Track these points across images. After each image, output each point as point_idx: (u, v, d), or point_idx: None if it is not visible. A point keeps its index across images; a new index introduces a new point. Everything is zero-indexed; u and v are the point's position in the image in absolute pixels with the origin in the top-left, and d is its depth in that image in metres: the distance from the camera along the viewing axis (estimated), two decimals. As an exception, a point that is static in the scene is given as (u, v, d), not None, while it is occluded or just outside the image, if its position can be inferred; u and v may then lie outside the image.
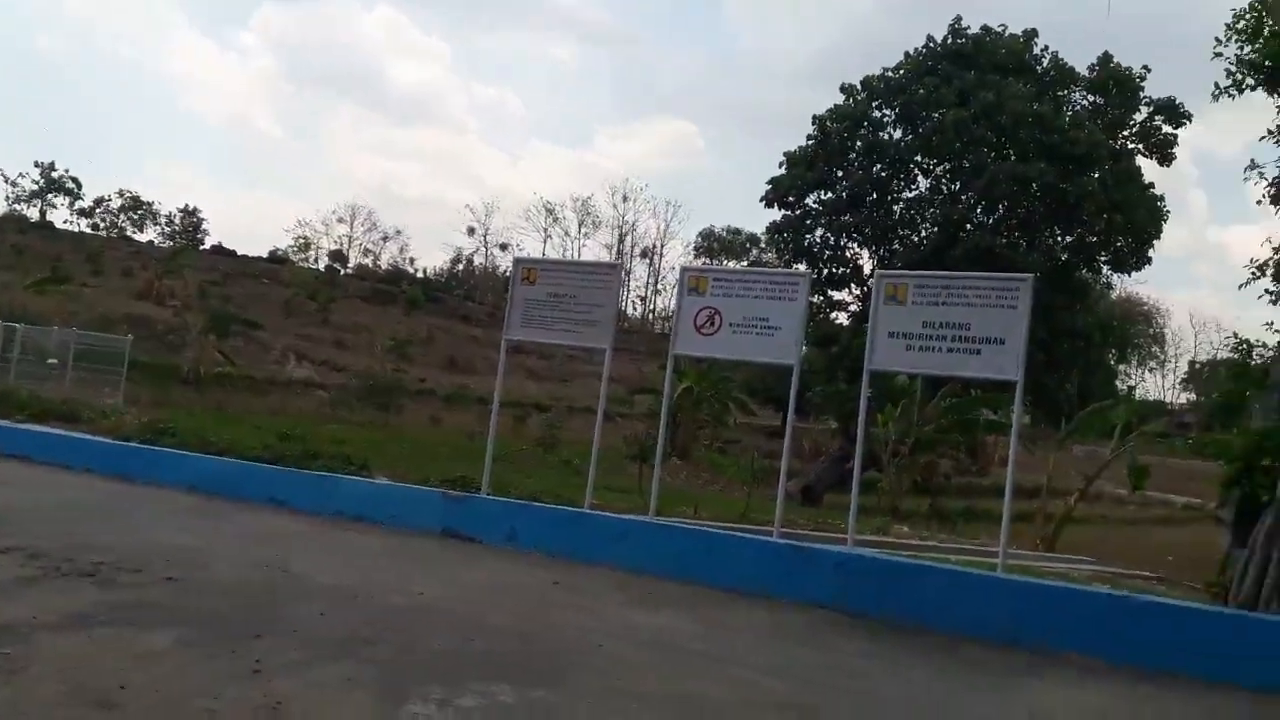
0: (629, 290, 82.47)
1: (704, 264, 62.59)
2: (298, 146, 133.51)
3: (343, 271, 73.48)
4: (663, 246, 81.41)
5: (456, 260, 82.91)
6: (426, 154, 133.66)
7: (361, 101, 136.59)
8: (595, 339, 11.45)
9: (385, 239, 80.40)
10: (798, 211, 36.43)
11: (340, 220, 78.24)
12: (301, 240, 75.45)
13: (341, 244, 78.19)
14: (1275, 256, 10.20)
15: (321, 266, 73.47)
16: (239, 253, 70.53)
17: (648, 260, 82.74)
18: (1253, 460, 9.86)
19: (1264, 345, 11.14)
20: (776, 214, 36.56)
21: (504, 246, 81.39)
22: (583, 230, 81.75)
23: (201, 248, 72.12)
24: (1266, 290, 10.09)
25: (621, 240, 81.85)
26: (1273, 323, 10.68)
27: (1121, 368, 66.36)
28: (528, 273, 11.77)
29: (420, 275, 77.33)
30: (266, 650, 5.90)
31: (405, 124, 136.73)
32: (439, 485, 13.26)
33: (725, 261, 72.54)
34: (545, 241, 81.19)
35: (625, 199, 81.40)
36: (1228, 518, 10.42)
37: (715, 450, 29.67)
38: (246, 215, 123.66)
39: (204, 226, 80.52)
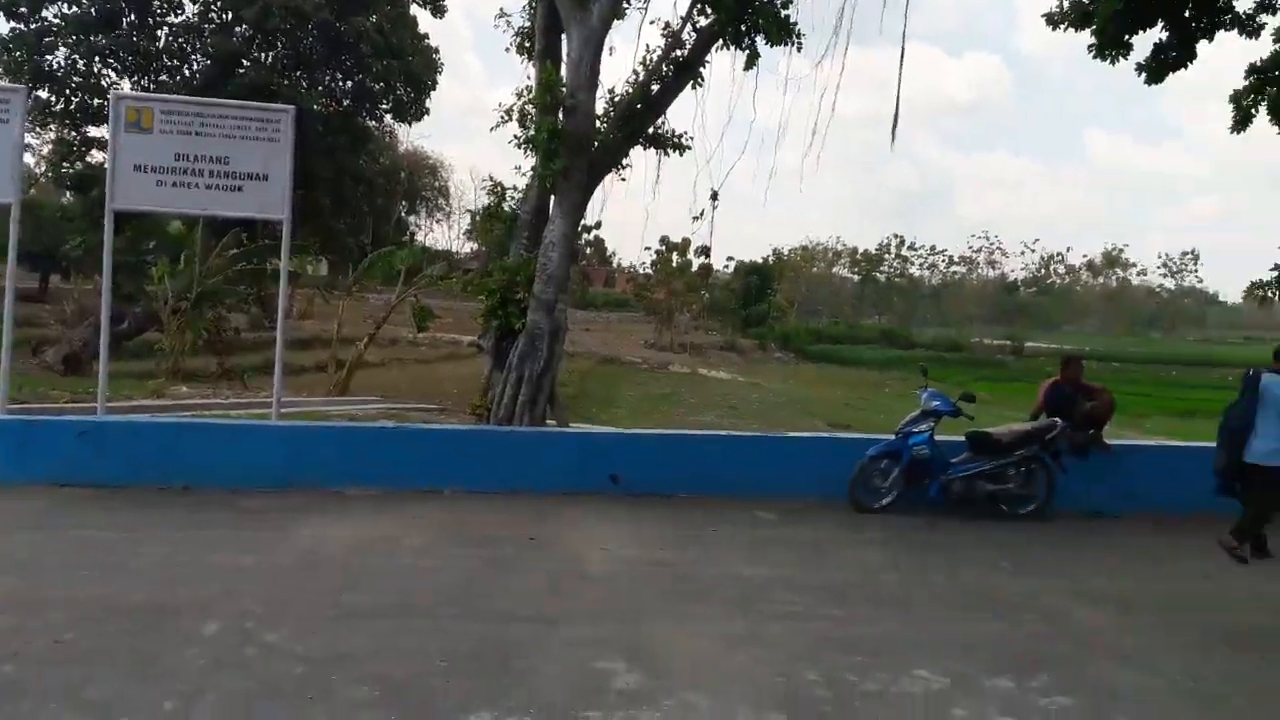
0: None
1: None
2: None
3: None
4: None
5: None
6: None
7: None
8: None
9: None
10: (33, 25, 30.41)
11: None
12: None
13: None
14: (519, 103, 11.31)
15: None
16: None
17: None
18: (507, 293, 11.11)
19: (515, 188, 12.31)
20: (4, 25, 30.08)
21: None
22: None
23: None
24: (514, 135, 11.19)
25: None
26: (520, 166, 11.81)
27: (412, 219, 71.32)
28: None
29: None
30: None
31: None
32: None
33: None
34: None
35: None
36: (488, 346, 11.62)
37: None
38: None
39: None
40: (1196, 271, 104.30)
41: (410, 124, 38.35)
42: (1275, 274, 10.99)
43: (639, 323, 61.10)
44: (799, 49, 11.20)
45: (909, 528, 8.19)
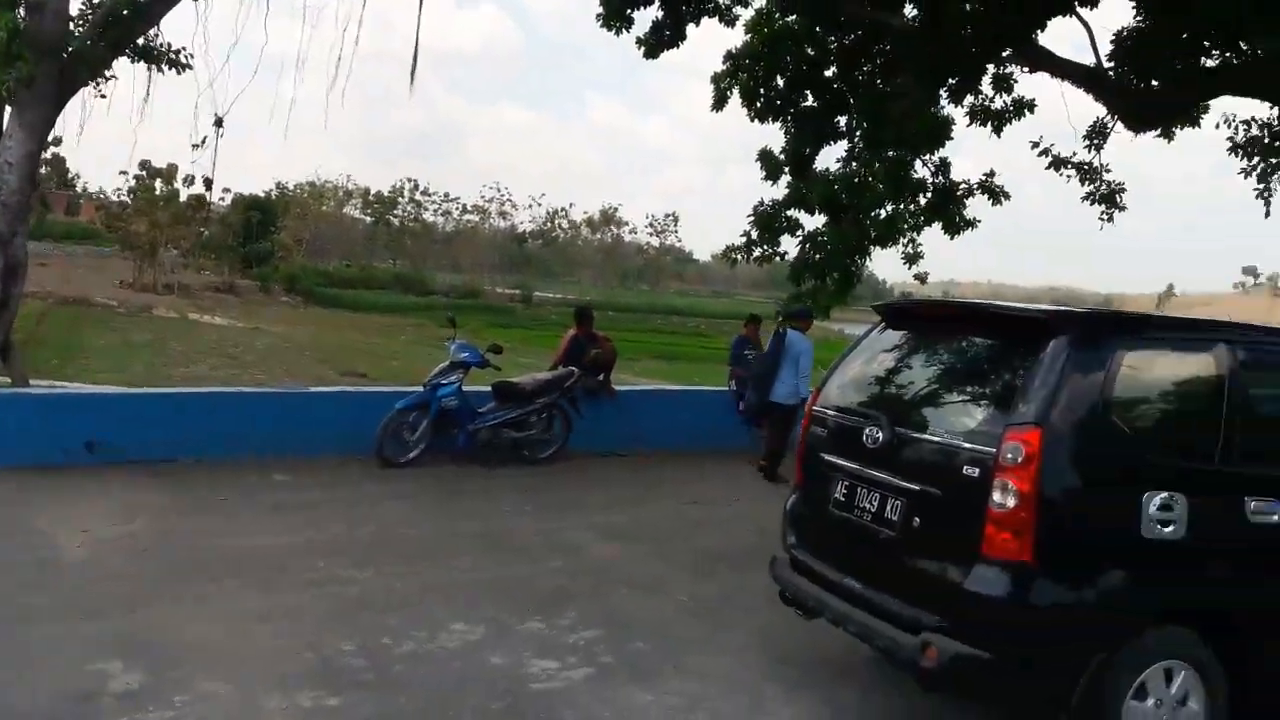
0: None
1: None
2: None
3: None
4: None
5: None
6: None
7: None
8: None
9: None
10: None
11: None
12: None
13: None
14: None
15: None
16: None
17: None
18: None
19: None
20: None
21: None
22: None
23: None
24: None
25: None
26: None
27: None
28: None
29: None
30: None
31: None
32: None
33: None
34: None
35: None
36: None
37: None
38: None
39: None
40: (677, 232, 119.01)
41: None
42: (744, 240, 12.79)
43: (112, 259, 53.84)
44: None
45: (437, 479, 8.29)
